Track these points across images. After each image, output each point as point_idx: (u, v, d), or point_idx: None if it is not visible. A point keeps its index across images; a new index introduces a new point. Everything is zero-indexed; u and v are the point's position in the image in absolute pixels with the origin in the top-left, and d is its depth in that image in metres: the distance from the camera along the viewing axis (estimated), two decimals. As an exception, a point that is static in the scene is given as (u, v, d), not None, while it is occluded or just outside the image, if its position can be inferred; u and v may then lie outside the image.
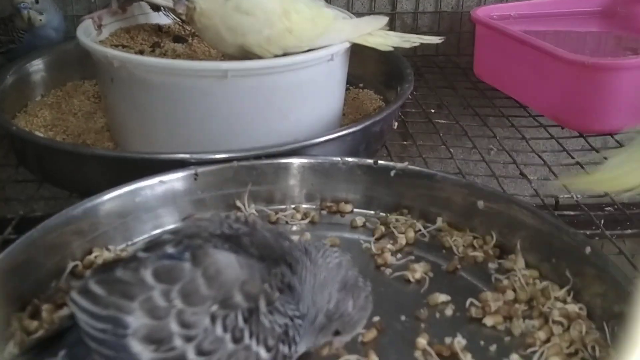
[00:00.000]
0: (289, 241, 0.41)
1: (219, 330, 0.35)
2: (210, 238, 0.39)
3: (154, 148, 0.64)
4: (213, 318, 0.35)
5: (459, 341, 0.45)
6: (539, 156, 0.73)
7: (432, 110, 0.82)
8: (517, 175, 0.69)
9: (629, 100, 0.69)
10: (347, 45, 0.67)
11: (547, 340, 0.45)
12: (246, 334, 0.36)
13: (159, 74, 0.61)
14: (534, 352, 0.44)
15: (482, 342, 0.46)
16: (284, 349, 0.37)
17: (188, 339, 0.34)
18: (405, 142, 0.77)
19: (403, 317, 0.48)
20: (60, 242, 0.51)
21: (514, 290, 0.50)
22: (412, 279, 0.51)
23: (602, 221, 0.64)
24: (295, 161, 0.60)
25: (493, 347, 0.45)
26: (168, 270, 0.36)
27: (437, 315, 0.48)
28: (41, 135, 0.70)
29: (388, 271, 0.52)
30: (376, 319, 0.47)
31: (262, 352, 0.36)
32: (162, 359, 0.34)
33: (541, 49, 0.72)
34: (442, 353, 0.44)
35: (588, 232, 0.59)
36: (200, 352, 0.35)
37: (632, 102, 0.69)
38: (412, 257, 0.54)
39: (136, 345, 0.34)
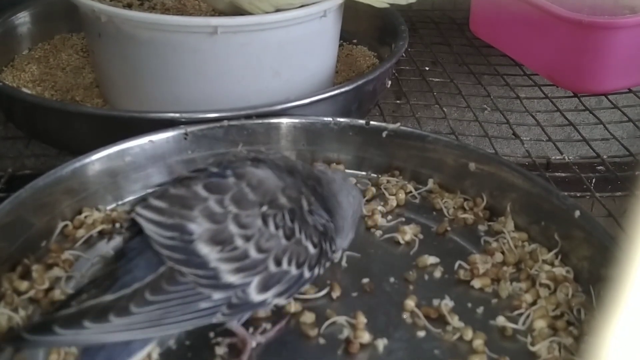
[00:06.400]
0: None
1: (272, 228, 0.39)
2: (247, 161, 0.42)
3: (143, 106, 0.63)
4: (264, 218, 0.38)
5: (447, 303, 0.46)
6: (532, 116, 0.72)
7: (427, 68, 0.81)
8: (510, 135, 0.69)
9: (625, 61, 0.68)
10: (341, 0, 0.65)
11: (534, 303, 0.46)
12: (296, 229, 0.40)
13: (147, 30, 0.59)
14: (520, 315, 0.45)
15: (469, 305, 0.46)
16: (326, 246, 0.41)
17: (247, 238, 0.38)
18: (398, 101, 0.76)
19: (392, 279, 0.48)
20: (49, 202, 0.51)
21: (503, 252, 0.50)
22: (401, 241, 0.52)
23: (593, 181, 0.64)
24: (287, 121, 0.59)
25: (480, 310, 0.46)
26: (216, 184, 0.39)
27: (426, 277, 0.49)
28: (29, 91, 0.69)
29: (378, 233, 0.53)
30: (365, 280, 0.47)
31: (310, 247, 0.40)
32: (228, 258, 0.37)
33: (538, 6, 0.70)
34: (430, 315, 0.45)
35: (579, 194, 0.59)
36: (259, 249, 0.38)
37: (628, 62, 0.69)
38: (403, 219, 0.54)
39: (203, 248, 0.37)
